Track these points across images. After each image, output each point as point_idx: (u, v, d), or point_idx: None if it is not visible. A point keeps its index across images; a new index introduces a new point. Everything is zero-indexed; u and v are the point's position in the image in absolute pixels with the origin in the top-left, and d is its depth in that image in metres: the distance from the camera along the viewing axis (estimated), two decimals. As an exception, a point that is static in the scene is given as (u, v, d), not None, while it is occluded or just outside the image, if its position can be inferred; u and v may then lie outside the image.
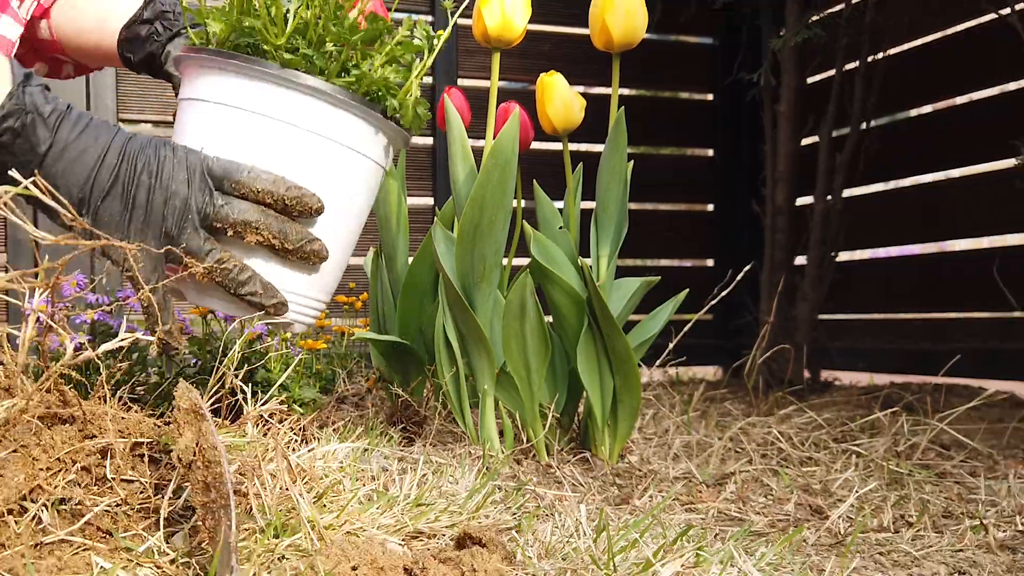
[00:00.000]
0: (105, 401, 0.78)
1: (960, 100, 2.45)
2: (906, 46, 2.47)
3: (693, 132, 3.01)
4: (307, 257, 0.95)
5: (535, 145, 1.79)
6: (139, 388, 1.26)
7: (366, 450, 1.15)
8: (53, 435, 0.73)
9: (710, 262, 3.00)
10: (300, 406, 1.35)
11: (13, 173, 0.62)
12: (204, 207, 0.90)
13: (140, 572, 0.68)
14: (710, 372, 2.83)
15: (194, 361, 1.33)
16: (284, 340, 1.42)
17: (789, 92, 2.42)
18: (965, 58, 2.33)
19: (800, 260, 2.51)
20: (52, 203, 0.51)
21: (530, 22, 1.38)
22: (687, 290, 1.42)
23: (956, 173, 2.41)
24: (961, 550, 1.01)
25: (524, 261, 1.34)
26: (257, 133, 0.93)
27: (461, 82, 2.60)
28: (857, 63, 2.40)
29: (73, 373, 0.75)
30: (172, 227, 0.90)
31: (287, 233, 0.93)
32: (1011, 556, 1.00)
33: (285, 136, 0.94)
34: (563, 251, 1.35)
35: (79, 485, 0.72)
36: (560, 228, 1.39)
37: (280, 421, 0.94)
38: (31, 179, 0.58)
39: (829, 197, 2.41)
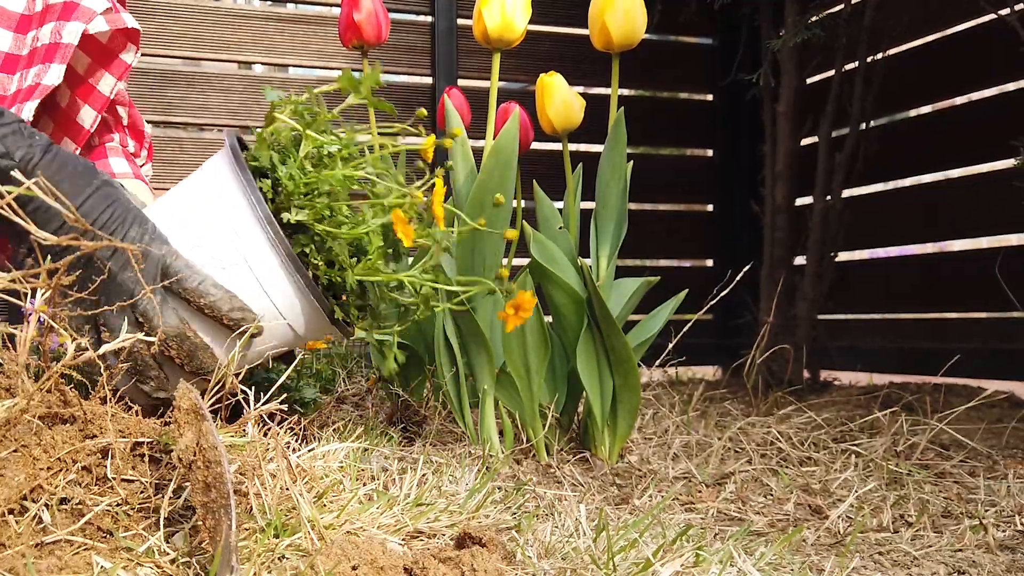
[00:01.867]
0: (105, 401, 0.78)
1: (959, 100, 2.45)
2: (905, 46, 2.47)
3: (692, 132, 3.01)
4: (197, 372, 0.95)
5: (535, 145, 1.79)
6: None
7: (366, 450, 1.15)
8: (54, 435, 0.73)
9: (710, 262, 3.00)
10: (300, 406, 1.35)
11: (15, 174, 0.62)
12: (144, 306, 0.90)
13: (140, 572, 0.68)
14: (710, 372, 2.83)
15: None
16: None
17: (788, 92, 2.42)
18: (964, 58, 2.33)
19: (800, 260, 2.52)
20: (55, 203, 0.52)
21: (530, 22, 1.38)
22: (687, 290, 1.43)
23: (955, 173, 2.41)
24: (960, 550, 1.01)
25: (524, 261, 1.34)
26: (229, 261, 0.95)
27: (461, 82, 2.60)
28: (856, 63, 2.40)
29: (74, 373, 0.75)
30: (104, 302, 0.90)
31: (198, 361, 0.93)
32: (1010, 556, 1.00)
33: (244, 279, 0.95)
34: (563, 251, 1.35)
35: (80, 485, 0.72)
36: (560, 228, 1.39)
37: (280, 421, 0.94)
38: (33, 180, 0.58)
39: (828, 197, 2.41)
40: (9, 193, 0.55)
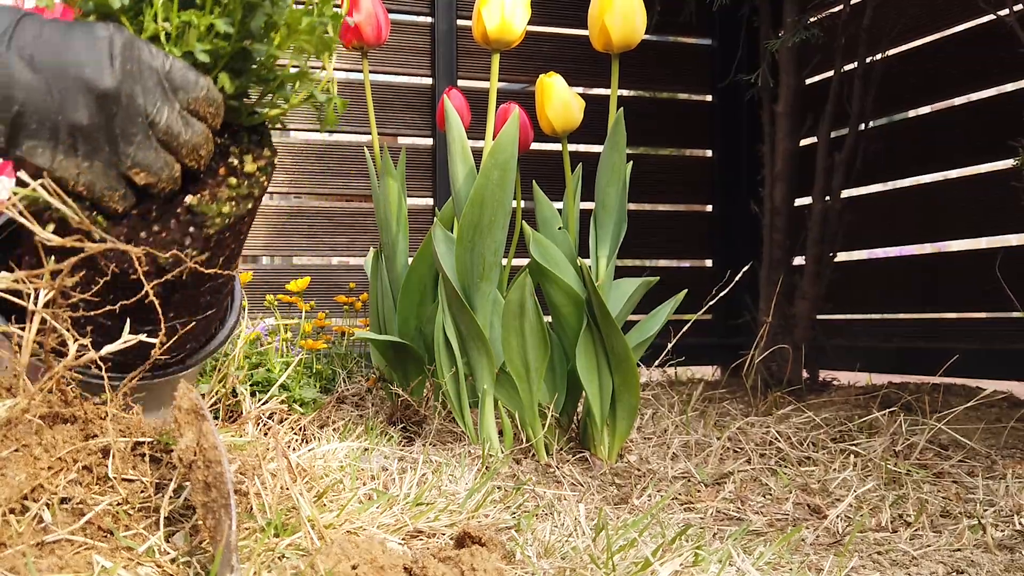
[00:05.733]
0: (106, 401, 0.78)
1: (958, 101, 2.46)
2: (904, 47, 2.47)
3: (692, 132, 3.01)
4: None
5: (535, 146, 1.79)
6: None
7: (366, 449, 1.15)
8: (55, 434, 0.73)
9: (709, 262, 3.00)
10: (300, 406, 1.36)
11: (22, 175, 0.62)
12: (156, 115, 0.72)
13: (141, 571, 0.68)
14: (709, 372, 2.83)
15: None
16: (285, 340, 1.43)
17: (787, 92, 2.42)
18: (964, 58, 2.33)
19: (799, 260, 2.52)
20: (61, 205, 0.52)
21: (529, 23, 1.38)
22: (686, 290, 1.43)
23: (955, 173, 2.41)
24: (959, 549, 1.02)
25: (524, 261, 1.34)
26: None
27: (461, 83, 2.61)
28: (856, 63, 2.40)
29: (75, 373, 0.75)
30: (118, 133, 0.70)
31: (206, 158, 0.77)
32: (1009, 555, 1.01)
33: None
34: (562, 251, 1.36)
35: (80, 484, 0.72)
36: (559, 228, 1.39)
37: (280, 421, 0.94)
38: (39, 181, 0.58)
39: (827, 197, 2.41)
40: (15, 194, 0.55)
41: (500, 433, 1.38)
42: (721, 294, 1.76)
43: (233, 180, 0.75)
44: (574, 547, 0.87)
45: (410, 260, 1.58)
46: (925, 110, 2.56)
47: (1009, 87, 2.24)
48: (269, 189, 2.47)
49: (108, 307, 0.72)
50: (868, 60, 2.39)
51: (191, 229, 0.73)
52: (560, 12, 2.72)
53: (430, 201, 2.60)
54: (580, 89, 2.62)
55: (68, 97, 0.67)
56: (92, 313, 0.75)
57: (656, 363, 1.81)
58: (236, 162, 0.76)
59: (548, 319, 1.36)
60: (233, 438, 0.84)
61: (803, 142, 2.52)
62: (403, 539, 0.84)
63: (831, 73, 2.44)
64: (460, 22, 2.60)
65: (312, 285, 2.19)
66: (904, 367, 2.48)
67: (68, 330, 0.67)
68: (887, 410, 1.73)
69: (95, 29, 0.69)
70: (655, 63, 2.84)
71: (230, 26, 0.75)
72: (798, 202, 2.51)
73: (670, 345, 1.69)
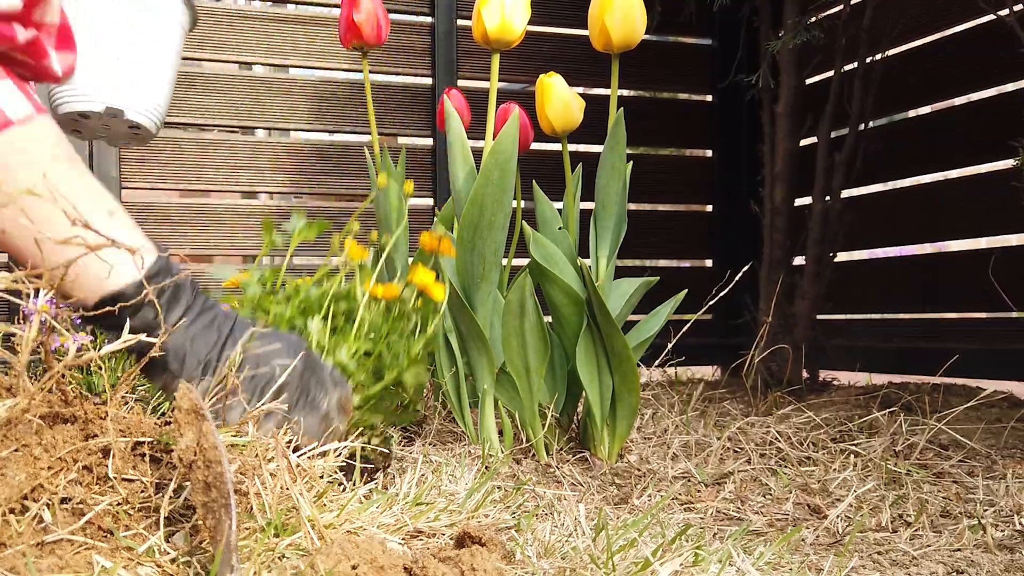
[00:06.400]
0: (107, 399, 0.78)
1: (959, 101, 2.46)
2: (904, 47, 2.47)
3: (692, 133, 3.01)
4: None
5: (535, 146, 1.79)
6: (140, 388, 1.27)
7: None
8: (55, 434, 0.73)
9: (709, 262, 3.00)
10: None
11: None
12: (326, 408, 0.97)
13: (141, 571, 0.68)
14: (709, 372, 2.83)
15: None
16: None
17: (787, 92, 2.42)
18: (964, 58, 2.33)
19: (799, 260, 2.52)
20: (67, 210, 0.52)
21: (529, 23, 1.38)
22: (686, 290, 1.43)
23: (955, 173, 2.41)
24: (959, 549, 1.02)
25: (524, 261, 1.34)
26: None
27: (461, 83, 2.61)
28: (856, 63, 2.40)
29: (75, 373, 0.75)
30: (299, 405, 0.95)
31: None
32: (1009, 555, 1.01)
33: None
34: (562, 251, 1.36)
35: (80, 484, 0.72)
36: (559, 228, 1.39)
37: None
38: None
39: (828, 197, 2.41)
40: (15, 193, 0.55)
41: (500, 433, 1.38)
42: (721, 294, 1.76)
43: None
44: (574, 547, 0.87)
45: (410, 260, 1.58)
46: (925, 110, 2.56)
47: (1009, 87, 2.24)
48: (269, 189, 2.47)
49: None
50: (868, 60, 2.39)
51: None
52: (560, 12, 2.72)
53: (430, 201, 2.60)
54: (580, 89, 2.62)
55: (308, 383, 0.95)
56: None
57: (656, 363, 1.81)
58: None
59: (548, 319, 1.36)
60: (233, 438, 0.85)
61: (803, 142, 2.52)
62: (403, 539, 0.84)
63: (831, 73, 2.44)
64: (460, 22, 2.60)
65: (312, 285, 2.19)
66: (904, 367, 2.48)
67: (67, 330, 0.68)
68: (887, 410, 1.73)
69: (289, 336, 0.97)
70: (655, 63, 2.84)
71: (372, 344, 1.03)
72: (798, 202, 2.51)
73: (670, 345, 1.69)
